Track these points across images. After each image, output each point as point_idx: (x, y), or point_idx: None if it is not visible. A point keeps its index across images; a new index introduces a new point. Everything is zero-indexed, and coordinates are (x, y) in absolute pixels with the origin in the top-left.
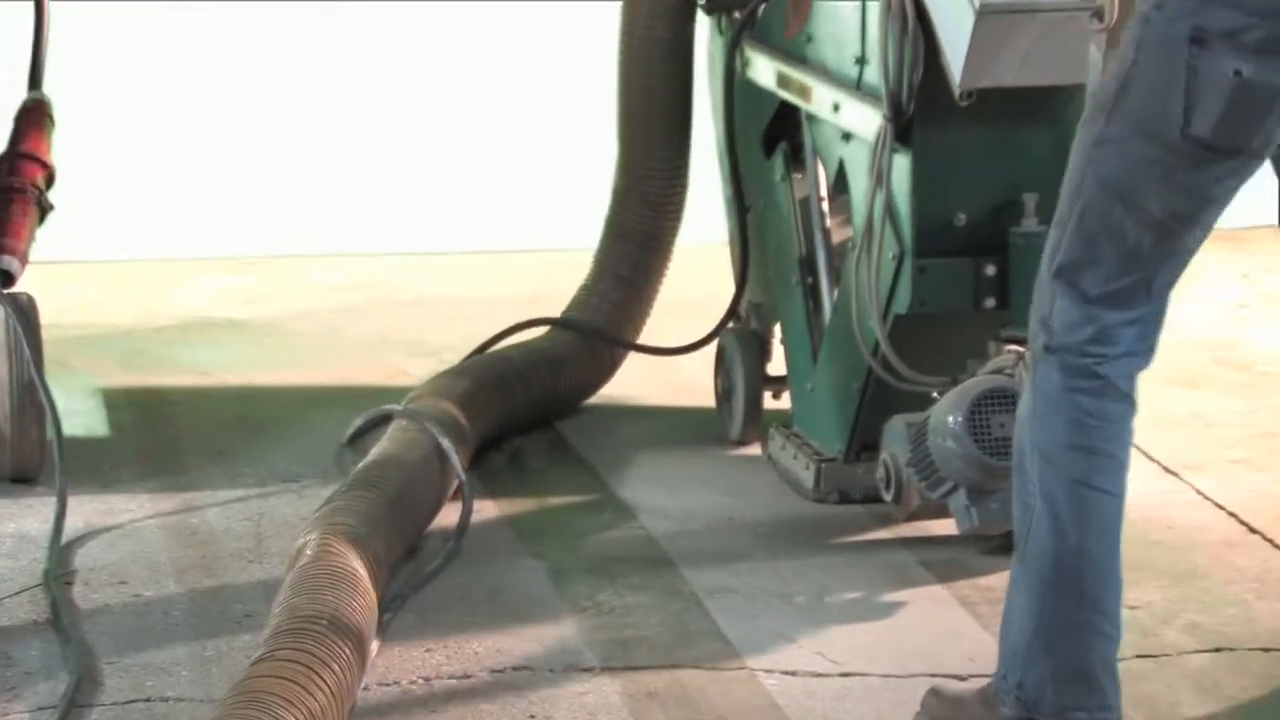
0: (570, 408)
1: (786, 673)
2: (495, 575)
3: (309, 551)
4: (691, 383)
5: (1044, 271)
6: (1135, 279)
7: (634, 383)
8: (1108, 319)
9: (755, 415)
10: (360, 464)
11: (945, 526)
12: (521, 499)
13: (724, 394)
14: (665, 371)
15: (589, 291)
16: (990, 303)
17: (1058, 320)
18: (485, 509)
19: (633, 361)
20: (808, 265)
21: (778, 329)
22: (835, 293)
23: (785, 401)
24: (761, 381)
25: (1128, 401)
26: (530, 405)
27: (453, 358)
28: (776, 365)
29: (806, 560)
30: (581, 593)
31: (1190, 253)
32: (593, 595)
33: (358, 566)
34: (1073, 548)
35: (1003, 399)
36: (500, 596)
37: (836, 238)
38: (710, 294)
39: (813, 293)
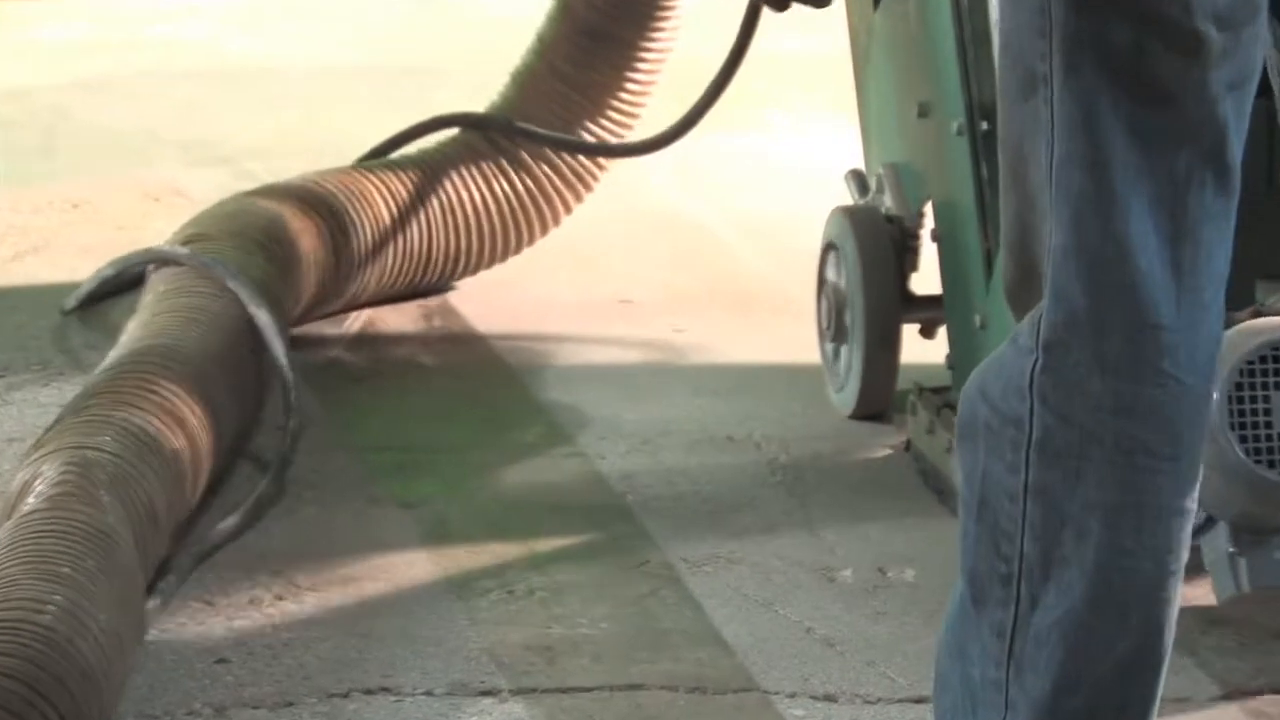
0: (470, 266)
1: (822, 698)
2: (335, 534)
3: (32, 499)
4: (667, 219)
5: None
6: None
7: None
8: None
9: (886, 368)
10: (115, 351)
11: None
12: (379, 409)
13: (831, 329)
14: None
15: (522, 81)
16: None
17: None
18: (314, 422)
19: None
20: (977, 100)
21: (929, 212)
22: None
23: (939, 346)
24: (899, 308)
25: None
26: (399, 257)
27: (260, 169)
28: (926, 279)
29: (856, 512)
30: (479, 565)
31: None
32: (499, 570)
33: (113, 523)
34: None
35: None
36: (343, 568)
37: None
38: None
39: (988, 150)
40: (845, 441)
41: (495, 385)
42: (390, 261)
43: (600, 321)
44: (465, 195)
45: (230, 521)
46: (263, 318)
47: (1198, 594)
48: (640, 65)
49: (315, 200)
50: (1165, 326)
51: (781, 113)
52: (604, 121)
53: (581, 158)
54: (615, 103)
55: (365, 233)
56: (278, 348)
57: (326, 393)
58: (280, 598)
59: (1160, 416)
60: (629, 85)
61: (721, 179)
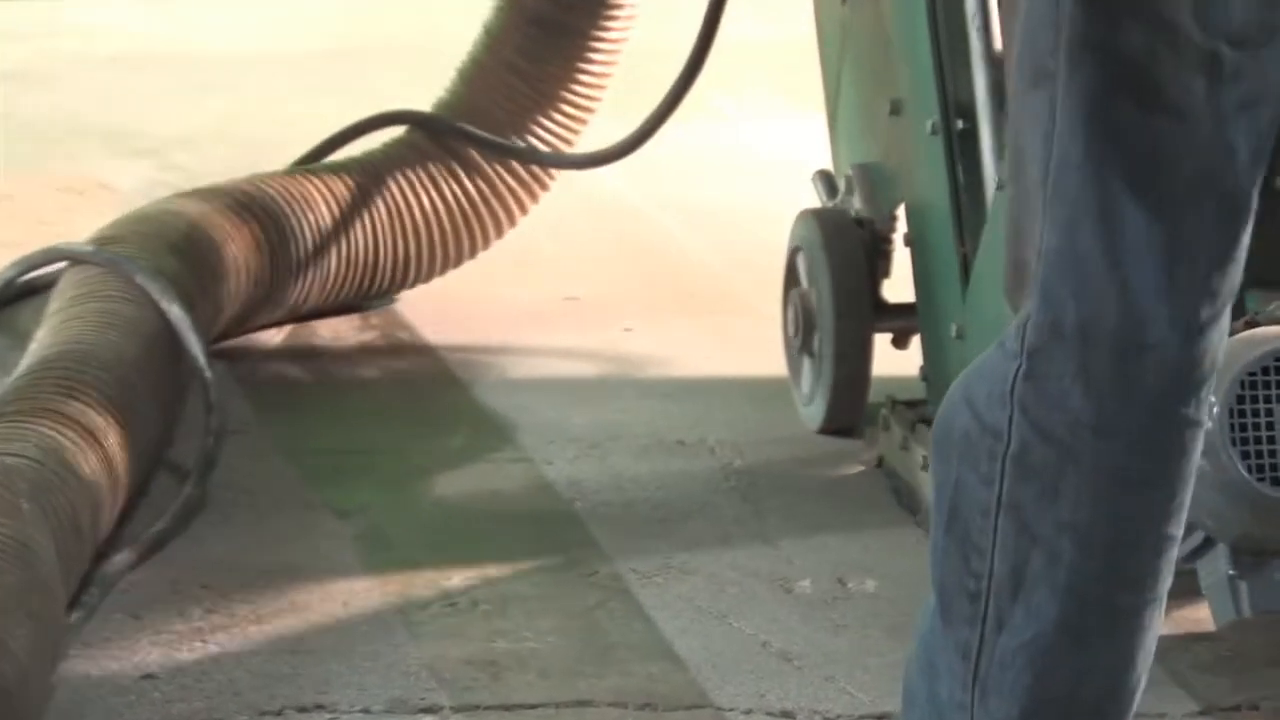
0: (421, 274)
1: (779, 715)
2: (267, 543)
3: None
4: (612, 211)
5: None
6: None
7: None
8: None
9: (857, 380)
10: (27, 359)
11: None
12: (315, 413)
13: (799, 338)
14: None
15: (470, 76)
16: None
17: None
18: (247, 429)
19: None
20: (953, 97)
21: (901, 215)
22: (1006, 154)
23: (912, 357)
24: (870, 316)
25: None
26: (344, 264)
27: (188, 161)
28: (898, 286)
29: (814, 520)
30: (418, 576)
31: None
32: (440, 581)
33: (33, 534)
34: None
35: None
36: (276, 579)
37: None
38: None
39: (964, 150)
40: (803, 446)
41: (436, 388)
42: (334, 269)
43: (545, 320)
44: (413, 199)
45: (156, 529)
46: (175, 313)
47: (1194, 616)
48: (594, 56)
49: (248, 204)
50: (1154, 346)
51: (731, 100)
52: (558, 117)
53: (555, 152)
54: (569, 96)
55: (305, 239)
56: (194, 344)
57: (261, 397)
58: (210, 611)
59: (1145, 442)
60: (583, 78)
61: (668, 169)
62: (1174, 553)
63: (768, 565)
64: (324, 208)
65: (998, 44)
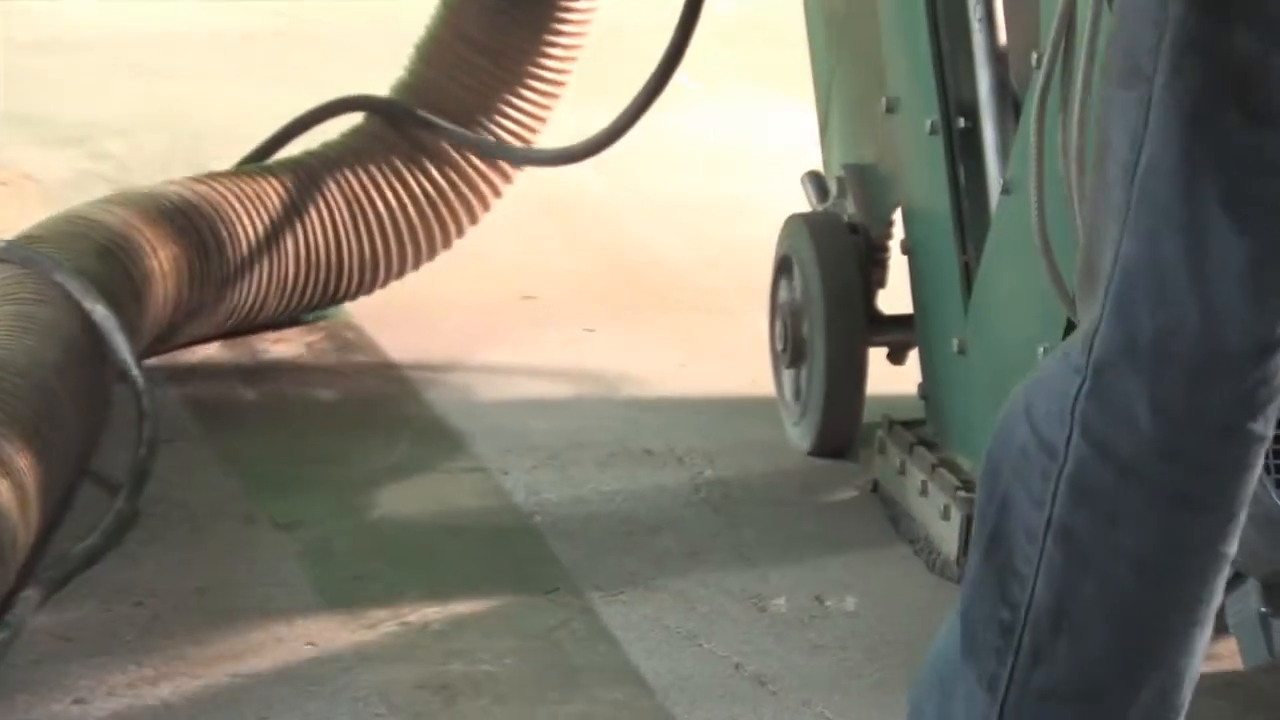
0: (393, 272)
1: None
2: (205, 559)
3: None
4: (569, 202)
5: None
6: None
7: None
8: None
9: (850, 398)
10: None
11: None
12: (257, 421)
13: (786, 353)
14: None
15: (429, 54)
16: None
17: None
18: (184, 436)
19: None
20: (954, 94)
21: (898, 221)
22: (1009, 159)
23: (909, 374)
24: (864, 329)
25: None
26: (304, 267)
27: (119, 150)
28: (895, 297)
29: (791, 533)
30: (367, 594)
31: None
32: (390, 599)
33: None
34: None
35: None
36: (214, 598)
37: (1016, 48)
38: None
39: (966, 151)
40: (778, 455)
41: (384, 393)
42: (293, 273)
43: (500, 321)
44: (376, 193)
45: (86, 545)
46: (100, 312)
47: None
48: (562, 27)
49: (185, 207)
50: (1231, 363)
51: (700, 82)
52: (525, 94)
53: (505, 136)
54: (536, 71)
55: (254, 242)
56: (121, 346)
57: (197, 404)
58: (144, 631)
59: (1214, 467)
60: (551, 50)
61: (633, 157)
62: (1226, 571)
63: (741, 582)
64: (276, 207)
65: (1002, 38)
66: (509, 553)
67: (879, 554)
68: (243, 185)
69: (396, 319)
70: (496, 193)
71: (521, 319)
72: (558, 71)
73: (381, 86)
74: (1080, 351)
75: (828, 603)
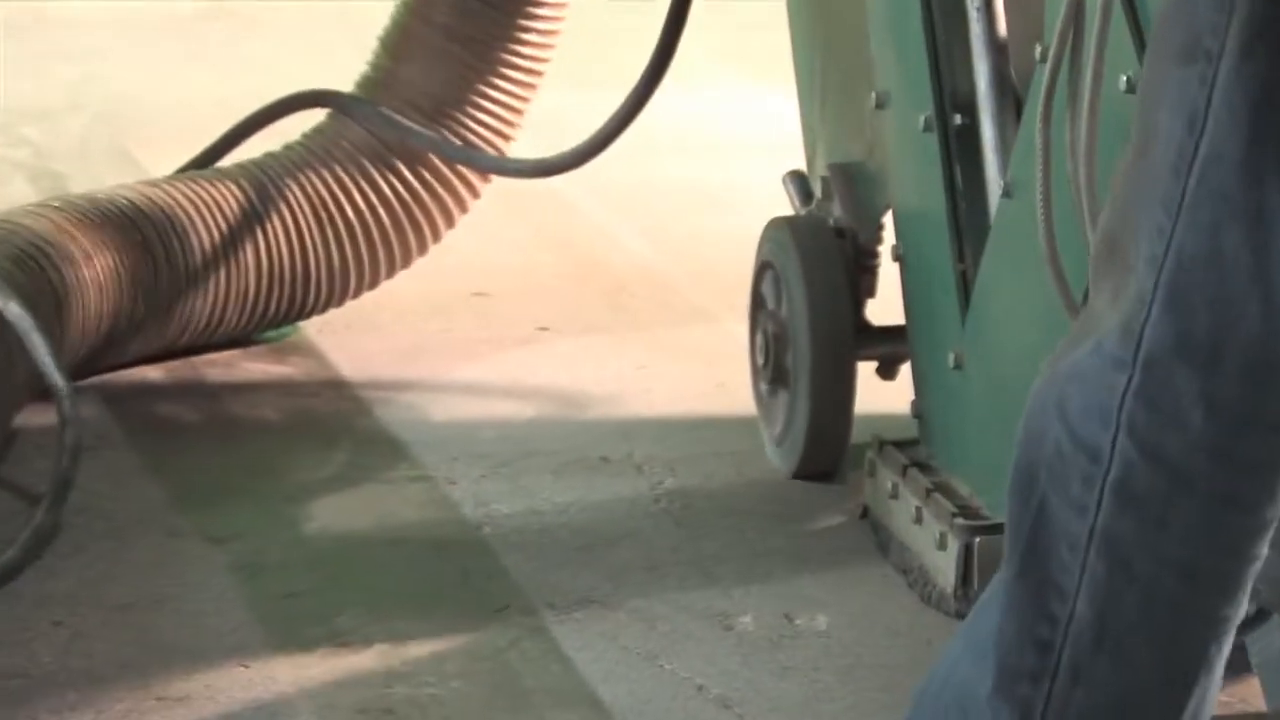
0: (366, 282)
1: None
2: (130, 574)
3: None
4: (524, 192)
5: None
6: None
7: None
8: None
9: (837, 417)
10: None
11: None
12: (187, 425)
13: (768, 369)
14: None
15: (395, 45)
16: None
17: None
18: (108, 443)
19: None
20: (950, 88)
21: (888, 224)
22: (1010, 159)
23: (901, 390)
24: (852, 342)
25: None
26: (265, 279)
27: (42, 138)
28: (886, 306)
29: (757, 547)
30: (304, 611)
31: None
32: (328, 618)
33: None
34: None
35: None
36: (140, 616)
37: (1017, 39)
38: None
39: (963, 149)
40: (744, 463)
41: (323, 396)
42: (253, 284)
43: (449, 319)
44: (345, 198)
45: (2, 560)
46: (14, 310)
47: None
48: (538, 10)
49: (134, 211)
50: None
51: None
52: (501, 84)
53: (482, 130)
54: (512, 59)
55: (208, 251)
56: (40, 347)
57: (122, 408)
58: (64, 651)
59: (1262, 465)
60: (527, 35)
61: None
62: (1255, 571)
63: (704, 599)
64: (235, 213)
65: (1002, 27)
66: (456, 567)
67: (852, 569)
68: (198, 190)
69: (337, 318)
70: (474, 193)
71: (472, 317)
72: (536, 59)
73: (322, 71)
74: (1120, 344)
75: (798, 621)
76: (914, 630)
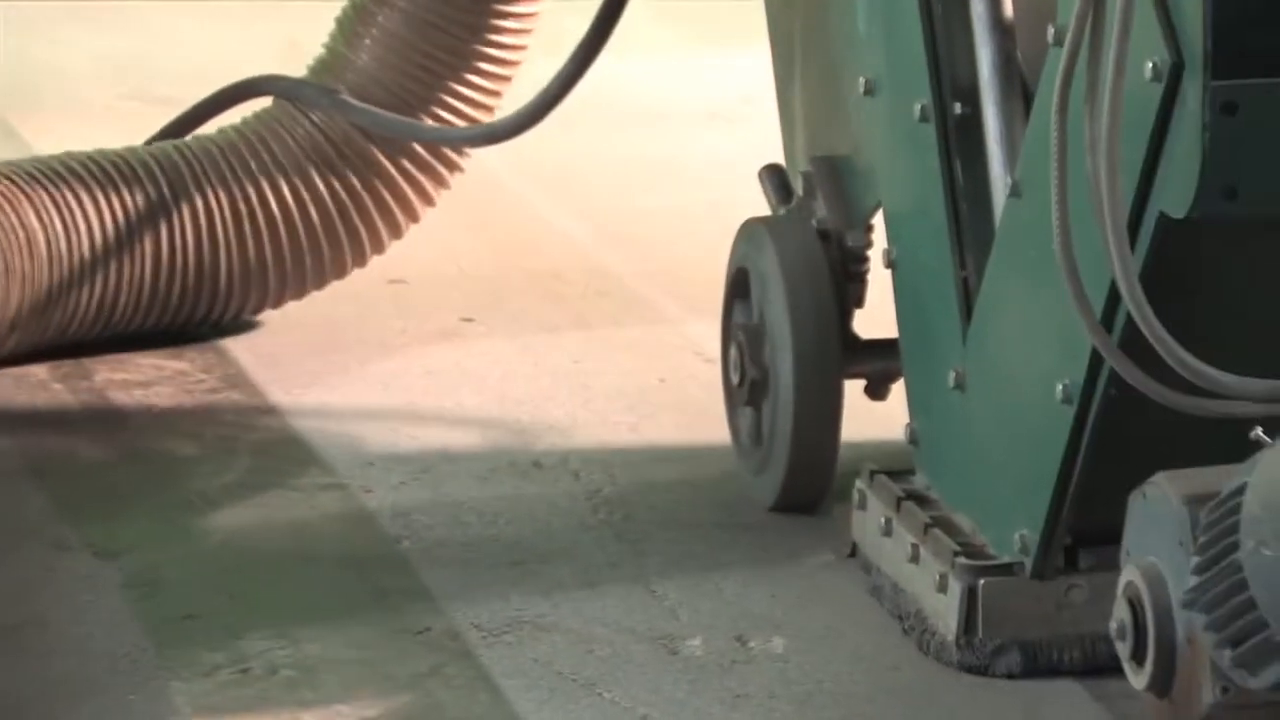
0: (285, 289)
1: None
2: (10, 591)
3: None
4: (454, 182)
5: None
6: None
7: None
8: None
9: (822, 442)
10: None
11: None
12: (71, 423)
13: (744, 387)
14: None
15: (352, 29)
16: None
17: None
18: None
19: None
20: (949, 74)
21: (879, 226)
22: (1018, 154)
23: (894, 410)
24: (839, 358)
25: None
26: (160, 276)
27: None
28: (875, 319)
29: (706, 561)
30: (203, 634)
31: None
32: (230, 640)
33: None
34: None
35: None
36: (21, 636)
37: (1026, 19)
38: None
39: (963, 142)
40: (690, 467)
41: (226, 394)
42: (150, 278)
43: (363, 309)
44: (272, 193)
45: None
46: None
47: None
48: None
49: (8, 189)
50: None
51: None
52: (472, 79)
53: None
54: (485, 51)
55: (98, 238)
56: None
57: (3, 405)
58: None
59: None
60: (502, 22)
61: None
62: None
63: (648, 619)
64: (137, 199)
65: (1008, 6)
66: (371, 585)
67: (811, 586)
68: (93, 168)
69: None
70: (427, 199)
71: (389, 307)
72: (512, 47)
73: (225, 25)
74: None
75: (751, 644)
76: (879, 654)
